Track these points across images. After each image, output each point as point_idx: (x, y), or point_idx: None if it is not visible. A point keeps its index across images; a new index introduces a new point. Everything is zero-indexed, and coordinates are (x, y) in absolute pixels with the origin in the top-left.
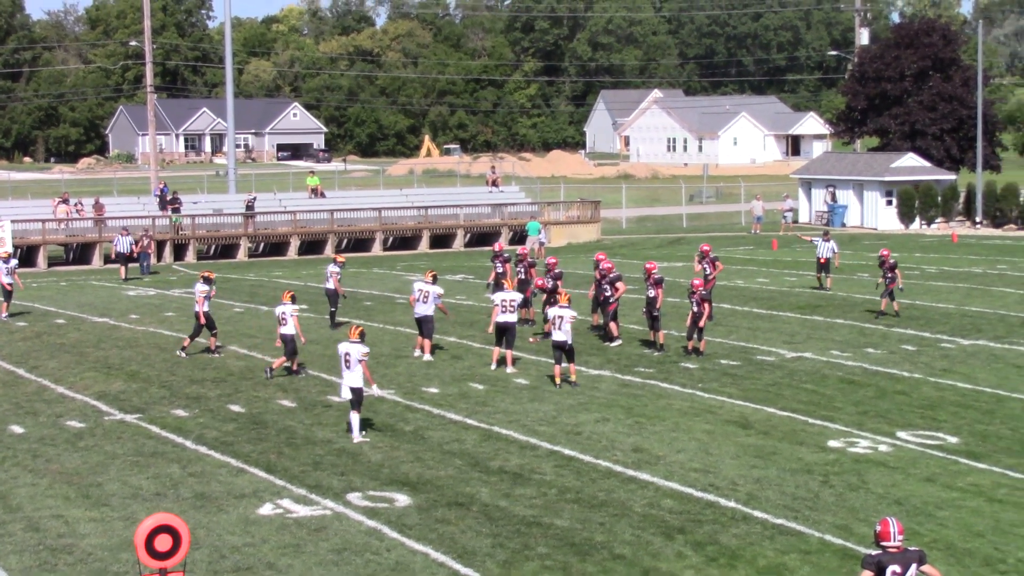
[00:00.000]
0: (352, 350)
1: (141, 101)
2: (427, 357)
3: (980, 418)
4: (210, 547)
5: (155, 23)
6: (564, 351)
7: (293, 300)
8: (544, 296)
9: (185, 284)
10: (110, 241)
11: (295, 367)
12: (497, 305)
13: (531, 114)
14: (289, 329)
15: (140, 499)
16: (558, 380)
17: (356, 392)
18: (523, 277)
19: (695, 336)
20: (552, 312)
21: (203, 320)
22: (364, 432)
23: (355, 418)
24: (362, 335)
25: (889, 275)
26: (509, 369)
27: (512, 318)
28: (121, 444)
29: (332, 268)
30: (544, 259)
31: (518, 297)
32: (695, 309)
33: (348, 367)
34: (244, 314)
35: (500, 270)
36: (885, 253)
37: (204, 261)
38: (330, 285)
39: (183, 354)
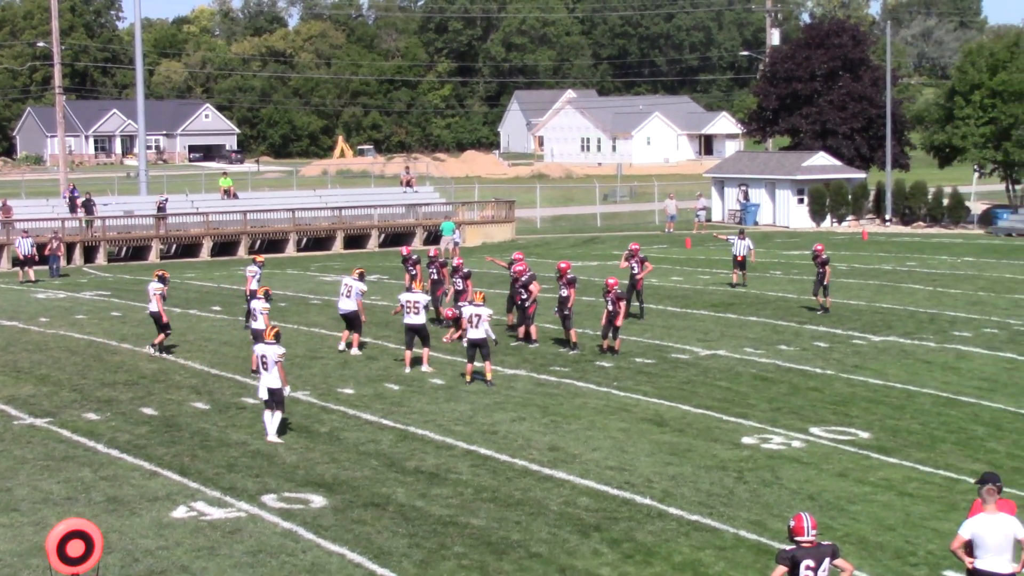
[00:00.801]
0: (268, 351)
1: (50, 102)
2: (355, 351)
3: (891, 413)
4: (123, 551)
5: (63, 24)
6: (481, 349)
7: (361, 277)
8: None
9: (96, 287)
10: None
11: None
12: (402, 306)
13: (445, 115)
14: (350, 304)
15: (51, 504)
16: (468, 377)
17: (274, 393)
18: (435, 278)
19: (610, 335)
20: (468, 311)
21: (165, 319)
22: (271, 436)
23: (271, 418)
24: (277, 336)
25: (820, 270)
26: (425, 368)
27: (419, 320)
28: (31, 448)
29: (251, 269)
30: (453, 259)
31: (423, 299)
32: (610, 308)
33: (265, 368)
34: None
35: (412, 272)
36: (819, 248)
37: (115, 263)
38: (254, 286)
39: (152, 351)
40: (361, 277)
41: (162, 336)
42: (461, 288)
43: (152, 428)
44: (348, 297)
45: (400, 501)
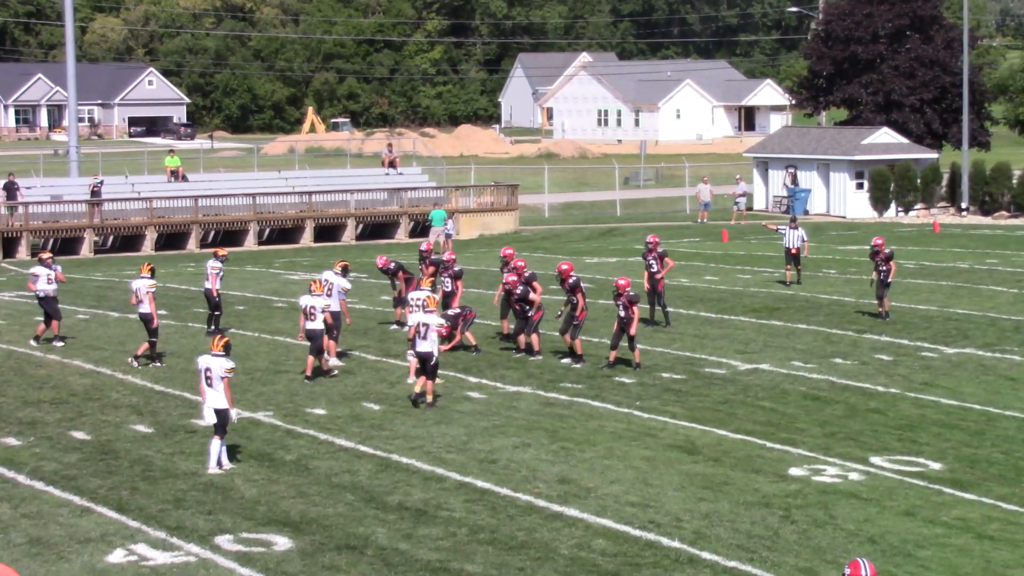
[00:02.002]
0: (214, 364)
1: None
2: (333, 361)
3: (967, 440)
4: None
5: None
6: (427, 365)
7: (344, 272)
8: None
9: (16, 286)
10: None
11: (324, 366)
12: (410, 306)
13: (435, 82)
14: (318, 324)
15: None
16: (417, 389)
17: (221, 415)
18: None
19: (629, 345)
20: (414, 319)
21: (155, 323)
22: (224, 463)
23: (215, 445)
24: (227, 347)
25: (884, 268)
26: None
27: (428, 347)
28: None
29: (212, 264)
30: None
31: (435, 320)
32: (622, 314)
33: (210, 385)
34: (90, 322)
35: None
36: (879, 242)
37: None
38: (208, 284)
39: (135, 363)
40: (345, 272)
41: (145, 345)
42: (450, 290)
43: (84, 456)
44: (329, 296)
45: (381, 543)
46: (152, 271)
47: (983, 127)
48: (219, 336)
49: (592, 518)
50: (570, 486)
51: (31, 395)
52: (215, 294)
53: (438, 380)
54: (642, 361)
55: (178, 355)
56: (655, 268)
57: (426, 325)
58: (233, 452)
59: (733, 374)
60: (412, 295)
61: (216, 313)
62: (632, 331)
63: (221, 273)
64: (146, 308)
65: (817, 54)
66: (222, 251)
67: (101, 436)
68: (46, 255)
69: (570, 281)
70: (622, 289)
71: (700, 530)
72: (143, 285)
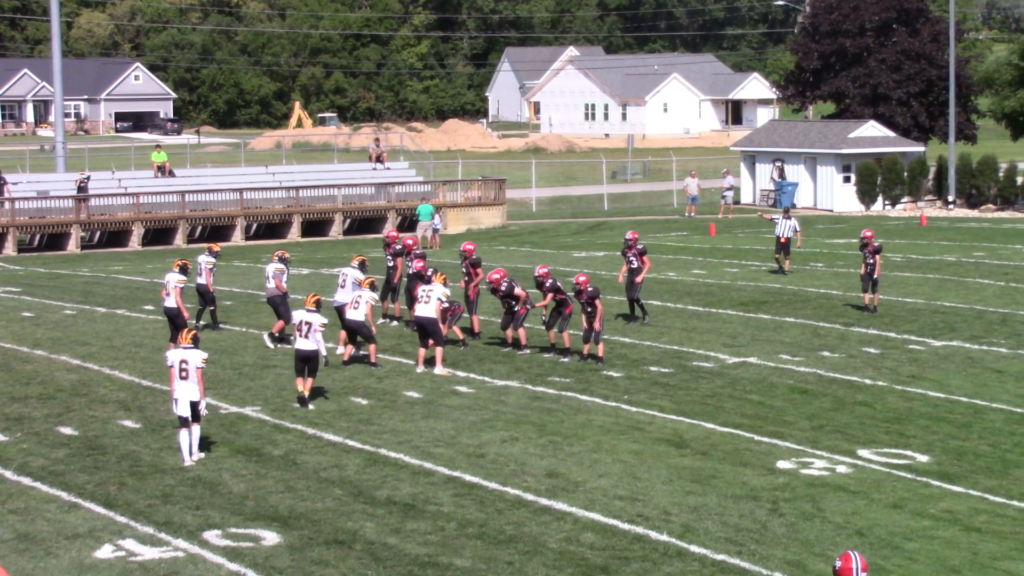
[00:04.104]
0: (191, 357)
1: None
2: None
3: (955, 433)
4: None
5: None
6: (308, 364)
7: (362, 267)
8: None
9: (3, 282)
10: None
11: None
12: (419, 299)
13: (422, 76)
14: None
15: None
16: (301, 388)
17: (195, 406)
18: (412, 272)
19: (593, 339)
20: (299, 316)
21: (186, 315)
22: (195, 453)
23: (185, 437)
24: (195, 339)
25: (871, 261)
26: (439, 370)
27: (428, 311)
28: None
29: (204, 259)
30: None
31: (439, 289)
32: (588, 310)
33: (184, 378)
34: (77, 317)
35: (391, 264)
36: (868, 234)
37: (27, 253)
38: (202, 279)
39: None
40: (363, 266)
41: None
42: (413, 272)
43: (71, 451)
44: (344, 288)
45: (369, 538)
46: (182, 267)
47: (970, 120)
48: (187, 330)
49: (580, 512)
50: (558, 480)
51: (18, 391)
52: (209, 288)
53: (444, 371)
54: (627, 354)
55: (165, 350)
56: (635, 265)
57: (308, 323)
58: (206, 443)
59: (721, 367)
60: (423, 288)
61: (211, 308)
62: (597, 326)
63: (214, 268)
64: (171, 303)
65: (804, 48)
66: (216, 246)
67: (89, 432)
68: None
69: (547, 284)
70: (583, 286)
71: (688, 524)
72: (172, 279)
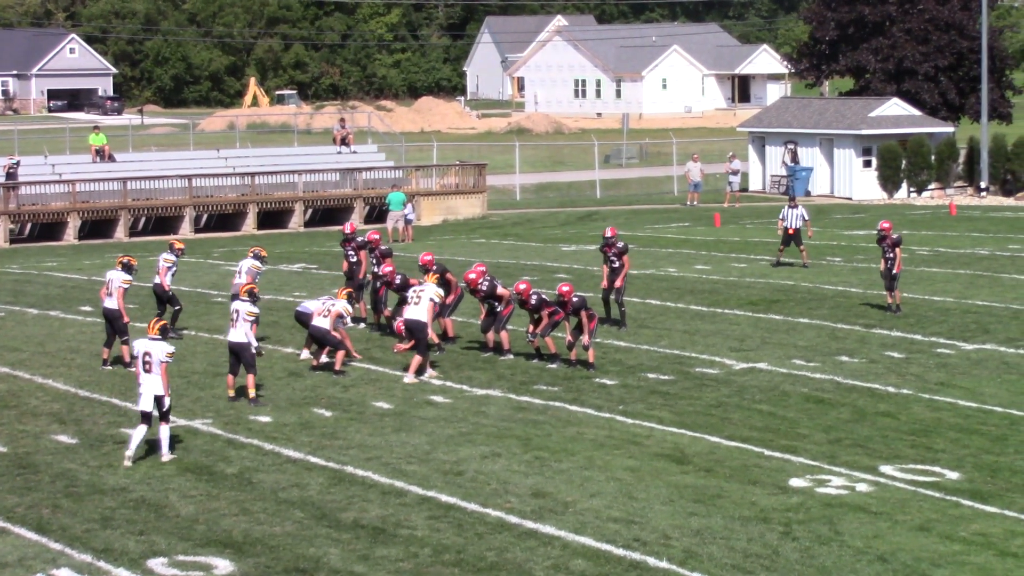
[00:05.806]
0: (154, 349)
1: None
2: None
3: (988, 447)
4: None
5: None
6: (241, 357)
7: (350, 298)
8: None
9: None
10: None
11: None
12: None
13: (392, 49)
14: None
15: None
16: (231, 391)
17: (160, 401)
18: (376, 272)
19: (583, 346)
20: (234, 305)
21: (126, 318)
22: (168, 455)
23: (140, 432)
24: (163, 330)
25: (890, 255)
26: (424, 376)
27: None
28: None
29: (165, 256)
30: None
31: (432, 289)
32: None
33: (148, 370)
34: (5, 319)
35: (354, 259)
36: (886, 226)
37: None
38: (158, 279)
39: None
40: (259, 258)
41: (107, 350)
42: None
43: None
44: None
45: (334, 565)
46: (127, 266)
47: (1004, 97)
48: (155, 319)
49: (570, 536)
50: (546, 500)
51: None
52: (166, 289)
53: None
54: (622, 359)
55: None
56: (616, 264)
57: (236, 311)
58: (148, 458)
59: (727, 374)
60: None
61: (176, 308)
62: (586, 341)
63: (174, 268)
64: (113, 303)
65: (819, 16)
66: (179, 243)
67: (18, 448)
68: None
69: (532, 302)
70: (566, 296)
71: (691, 548)
72: (117, 278)
